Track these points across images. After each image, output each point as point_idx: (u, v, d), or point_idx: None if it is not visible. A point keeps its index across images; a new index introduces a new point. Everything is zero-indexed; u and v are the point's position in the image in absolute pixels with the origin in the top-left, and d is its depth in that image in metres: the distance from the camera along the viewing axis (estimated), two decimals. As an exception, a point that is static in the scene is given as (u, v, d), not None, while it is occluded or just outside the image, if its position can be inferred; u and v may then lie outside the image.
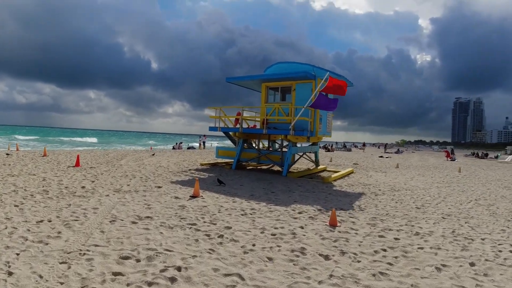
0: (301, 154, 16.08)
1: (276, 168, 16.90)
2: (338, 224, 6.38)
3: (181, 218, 6.15)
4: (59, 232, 5.03)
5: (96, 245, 4.58)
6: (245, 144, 15.60)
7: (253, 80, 15.22)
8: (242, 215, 6.75)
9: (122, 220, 5.88)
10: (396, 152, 53.60)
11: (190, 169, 14.19)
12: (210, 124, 15.90)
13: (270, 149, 17.09)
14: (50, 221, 5.59)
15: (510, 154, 57.75)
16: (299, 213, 7.27)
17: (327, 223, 6.43)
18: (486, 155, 48.13)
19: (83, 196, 7.65)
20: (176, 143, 34.84)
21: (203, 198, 8.11)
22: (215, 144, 37.67)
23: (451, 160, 36.27)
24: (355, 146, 70.12)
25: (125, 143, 64.54)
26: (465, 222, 7.19)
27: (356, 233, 5.93)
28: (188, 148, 34.55)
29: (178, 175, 12.02)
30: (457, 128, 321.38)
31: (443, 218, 7.53)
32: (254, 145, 16.94)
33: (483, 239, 5.95)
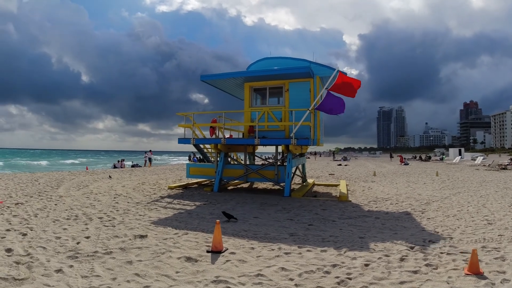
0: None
1: (260, 185, 13.89)
2: (481, 270, 4.12)
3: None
4: None
5: None
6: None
7: (235, 78, 12.08)
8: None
9: None
10: (343, 160, 53.91)
11: (161, 196, 10.46)
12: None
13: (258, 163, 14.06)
14: None
15: (439, 155, 61.69)
16: (401, 260, 4.61)
17: (466, 271, 4.12)
18: (429, 158, 50.31)
19: (8, 279, 3.83)
20: (118, 161, 29.60)
21: (234, 253, 4.79)
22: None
23: (404, 165, 36.68)
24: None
25: (54, 163, 55.89)
26: None
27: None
28: (132, 166, 29.64)
29: (154, 209, 8.34)
30: (382, 134, 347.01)
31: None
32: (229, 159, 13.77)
33: None
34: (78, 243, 5.16)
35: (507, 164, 27.24)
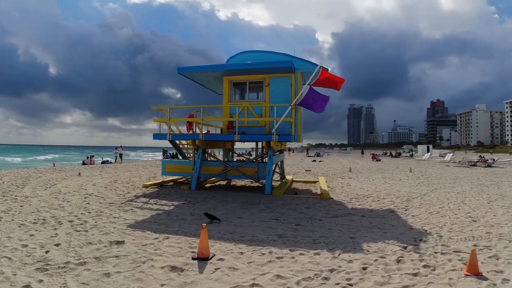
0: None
1: (239, 182, 13.54)
2: (480, 271, 4.08)
3: None
4: None
5: None
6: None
7: (213, 72, 11.61)
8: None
9: None
10: (317, 156, 54.46)
11: (136, 196, 9.86)
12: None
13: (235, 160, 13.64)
14: None
15: (409, 152, 63.69)
16: (398, 261, 4.46)
17: (465, 272, 4.04)
18: (400, 154, 51.70)
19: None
20: (87, 157, 28.25)
21: (222, 260, 4.42)
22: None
23: (376, 161, 37.52)
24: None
25: (27, 160, 52.78)
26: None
27: None
28: (103, 162, 28.37)
29: (129, 210, 7.79)
30: (352, 131, 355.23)
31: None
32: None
33: None
34: (47, 252, 4.60)
35: (477, 161, 28.24)
